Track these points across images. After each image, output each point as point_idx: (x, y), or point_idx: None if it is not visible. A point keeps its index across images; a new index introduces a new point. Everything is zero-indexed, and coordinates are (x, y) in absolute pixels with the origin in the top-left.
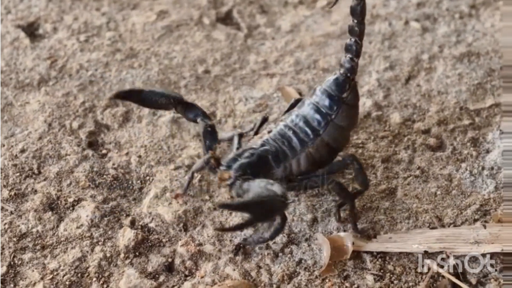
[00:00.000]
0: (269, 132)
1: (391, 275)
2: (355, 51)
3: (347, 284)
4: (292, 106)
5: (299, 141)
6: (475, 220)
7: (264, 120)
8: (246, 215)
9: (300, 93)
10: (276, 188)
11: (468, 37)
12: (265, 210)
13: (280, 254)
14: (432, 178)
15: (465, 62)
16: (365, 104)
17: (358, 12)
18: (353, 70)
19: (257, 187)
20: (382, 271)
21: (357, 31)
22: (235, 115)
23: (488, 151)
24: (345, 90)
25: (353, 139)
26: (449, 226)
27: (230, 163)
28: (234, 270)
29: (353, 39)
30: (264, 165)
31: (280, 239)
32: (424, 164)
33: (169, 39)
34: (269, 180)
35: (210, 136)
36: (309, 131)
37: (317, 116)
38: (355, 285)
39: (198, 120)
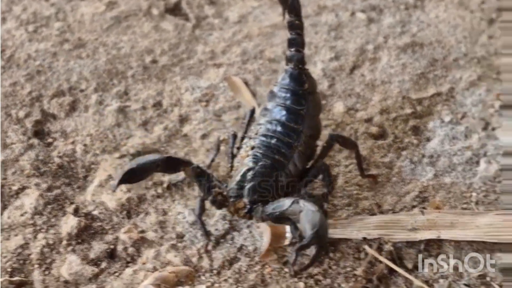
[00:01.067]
0: (252, 148)
1: (330, 261)
2: (300, 43)
3: (286, 270)
4: (250, 116)
5: (286, 145)
6: (413, 207)
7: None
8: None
9: (246, 83)
10: (308, 203)
11: (413, 27)
12: (326, 230)
13: (222, 240)
14: (373, 165)
15: (409, 52)
16: None
17: (296, 8)
18: (303, 61)
19: (289, 207)
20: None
21: (298, 24)
22: (182, 104)
23: (428, 139)
24: (304, 82)
25: None
26: (388, 213)
27: (238, 192)
28: (175, 256)
29: (294, 33)
30: (269, 181)
31: (222, 225)
32: (366, 152)
33: (118, 29)
34: (291, 198)
35: (202, 176)
36: (291, 133)
37: (292, 116)
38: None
39: (181, 169)
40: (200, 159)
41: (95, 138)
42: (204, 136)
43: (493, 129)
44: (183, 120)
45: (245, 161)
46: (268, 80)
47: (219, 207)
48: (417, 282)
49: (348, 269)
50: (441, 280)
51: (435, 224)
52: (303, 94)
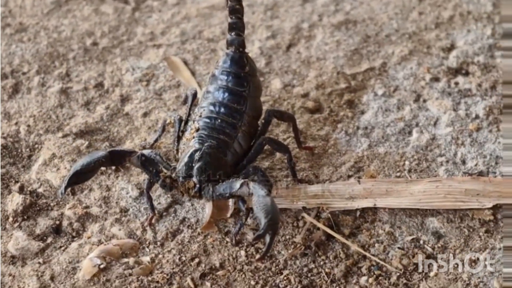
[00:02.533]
0: (197, 130)
1: None
2: (241, 27)
3: (227, 239)
4: (192, 99)
5: (230, 126)
6: (349, 177)
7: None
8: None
9: (185, 62)
10: (257, 186)
11: (346, 6)
12: (279, 215)
13: (165, 213)
14: (310, 138)
15: (343, 30)
16: None
17: None
18: (243, 44)
19: (239, 189)
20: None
21: (239, 9)
22: (123, 84)
23: (363, 112)
24: (245, 65)
25: None
26: (324, 183)
27: (187, 172)
28: (120, 230)
29: (234, 17)
30: (216, 160)
31: (165, 199)
32: (302, 126)
33: (58, 13)
34: (240, 180)
35: (149, 164)
36: (234, 114)
37: (234, 97)
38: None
39: (126, 159)
40: (142, 137)
41: (38, 119)
42: (145, 115)
43: (424, 100)
44: (124, 99)
45: (191, 143)
46: (207, 59)
47: (169, 189)
48: (354, 247)
49: (288, 237)
50: (376, 245)
51: (371, 192)
52: (245, 77)
